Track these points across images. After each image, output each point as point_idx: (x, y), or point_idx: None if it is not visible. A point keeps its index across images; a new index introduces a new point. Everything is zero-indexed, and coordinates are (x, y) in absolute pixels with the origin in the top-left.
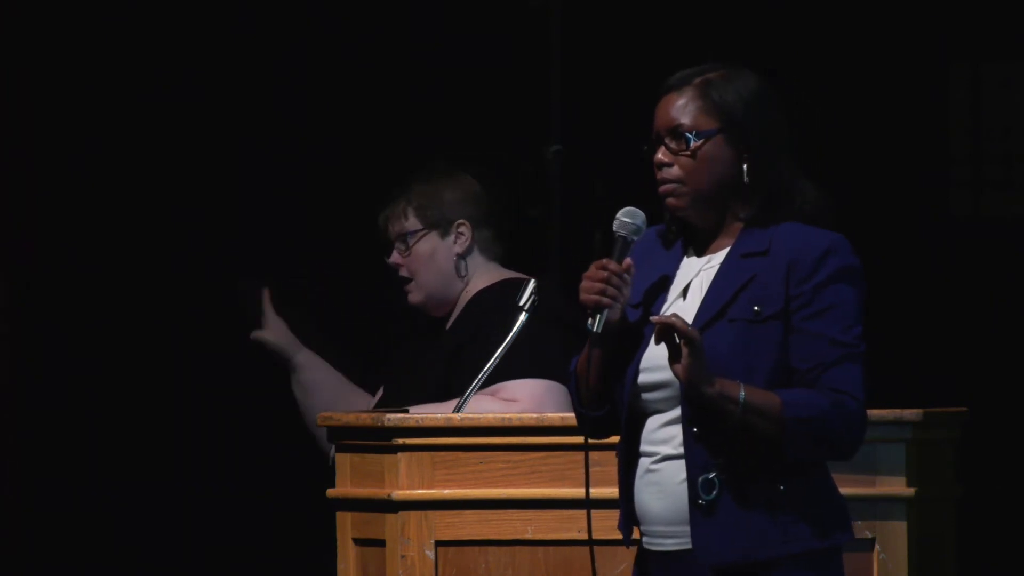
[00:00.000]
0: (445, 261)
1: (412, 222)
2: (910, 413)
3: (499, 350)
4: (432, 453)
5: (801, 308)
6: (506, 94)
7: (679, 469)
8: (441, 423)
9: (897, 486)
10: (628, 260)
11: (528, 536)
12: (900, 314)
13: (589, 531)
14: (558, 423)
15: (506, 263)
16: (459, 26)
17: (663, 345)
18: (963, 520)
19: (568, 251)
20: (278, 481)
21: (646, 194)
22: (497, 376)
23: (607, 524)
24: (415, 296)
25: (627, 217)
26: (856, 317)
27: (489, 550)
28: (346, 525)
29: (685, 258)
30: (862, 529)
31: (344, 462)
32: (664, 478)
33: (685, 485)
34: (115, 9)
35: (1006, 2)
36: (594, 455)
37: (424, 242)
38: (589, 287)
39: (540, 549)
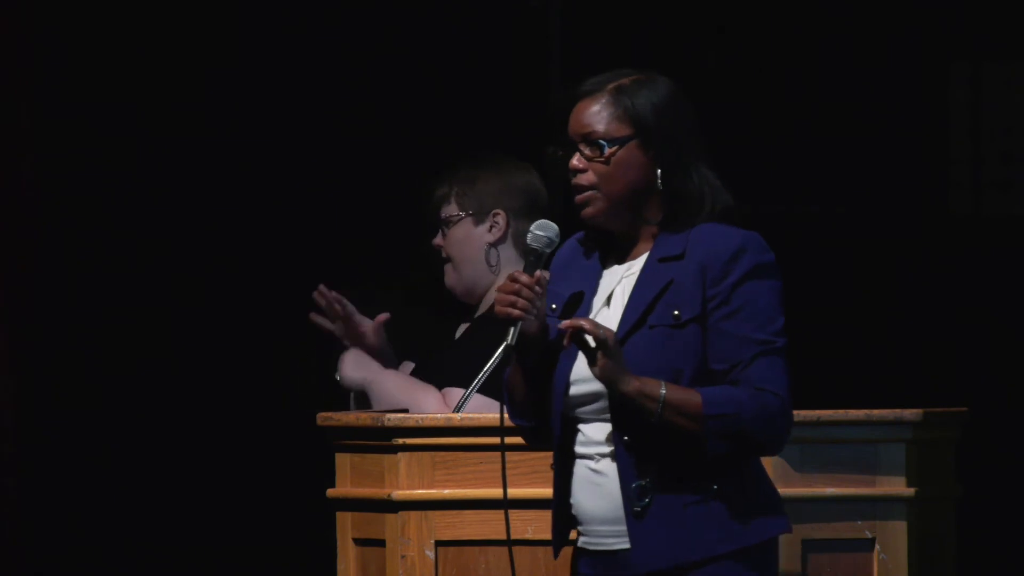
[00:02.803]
0: (476, 248)
1: (452, 207)
2: (910, 413)
3: (500, 350)
4: (432, 453)
5: (716, 309)
6: (506, 94)
7: (616, 470)
8: (441, 423)
9: (897, 486)
10: (539, 272)
11: (528, 536)
12: (900, 314)
13: (508, 532)
14: None
15: None
16: (459, 25)
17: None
18: (963, 520)
19: None
20: (278, 481)
21: None
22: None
23: None
24: (448, 278)
25: (540, 230)
26: (772, 313)
27: (489, 550)
28: (346, 525)
29: (605, 267)
30: (862, 529)
31: (344, 462)
32: (603, 479)
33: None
34: (115, 9)
35: (1006, 2)
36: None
37: (459, 227)
38: (501, 299)
39: (540, 549)
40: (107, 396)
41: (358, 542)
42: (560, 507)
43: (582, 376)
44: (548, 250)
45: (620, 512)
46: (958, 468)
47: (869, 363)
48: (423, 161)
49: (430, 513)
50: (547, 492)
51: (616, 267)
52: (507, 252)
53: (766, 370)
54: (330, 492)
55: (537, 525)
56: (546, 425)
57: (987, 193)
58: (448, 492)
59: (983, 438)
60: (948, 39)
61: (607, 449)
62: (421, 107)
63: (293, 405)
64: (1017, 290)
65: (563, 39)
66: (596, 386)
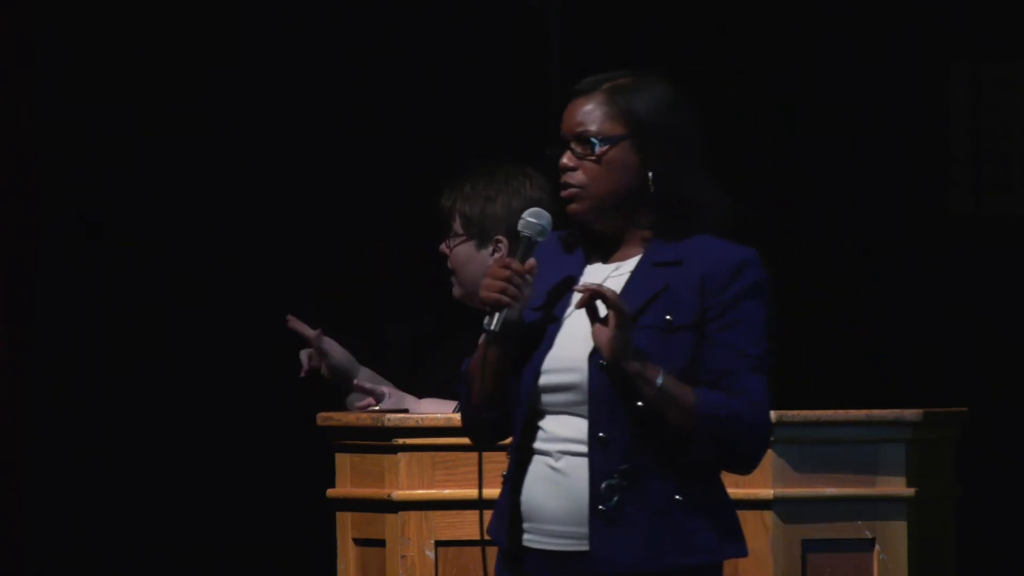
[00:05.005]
0: (479, 270)
1: (457, 225)
2: (910, 413)
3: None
4: (432, 453)
5: (714, 320)
6: (506, 94)
7: (582, 469)
8: (441, 423)
9: (897, 486)
10: (532, 260)
11: None
12: (900, 314)
13: (481, 532)
14: None
15: None
16: (459, 25)
17: (568, 347)
18: (963, 520)
19: None
20: (278, 481)
21: None
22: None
23: None
24: (455, 290)
25: (533, 217)
26: (764, 332)
27: (489, 550)
28: (346, 525)
29: (589, 264)
30: (862, 529)
31: (344, 462)
32: (565, 478)
33: (587, 487)
34: (115, 9)
35: (1006, 2)
36: None
37: (463, 247)
38: (490, 285)
39: None
40: (107, 396)
41: (358, 542)
42: (513, 502)
43: (556, 366)
44: (540, 238)
45: (578, 514)
46: (958, 468)
47: (869, 363)
48: (423, 161)
49: (430, 513)
50: None
51: (600, 266)
52: None
53: (757, 386)
54: (330, 492)
55: None
56: (506, 418)
57: (987, 193)
58: (448, 492)
59: (983, 438)
60: (948, 39)
61: (570, 447)
62: (421, 107)
63: (293, 405)
64: (1017, 290)
65: (563, 39)
66: (570, 376)
